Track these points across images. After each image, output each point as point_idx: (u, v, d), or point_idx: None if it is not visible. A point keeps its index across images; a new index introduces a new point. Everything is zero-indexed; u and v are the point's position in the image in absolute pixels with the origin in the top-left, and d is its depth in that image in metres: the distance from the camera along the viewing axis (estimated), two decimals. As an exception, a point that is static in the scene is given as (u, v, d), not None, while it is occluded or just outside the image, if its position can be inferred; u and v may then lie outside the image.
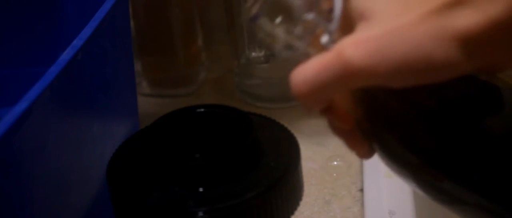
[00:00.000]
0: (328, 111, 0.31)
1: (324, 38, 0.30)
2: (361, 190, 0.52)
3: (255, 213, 0.32)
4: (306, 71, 0.28)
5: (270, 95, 0.66)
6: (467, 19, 0.25)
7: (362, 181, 0.53)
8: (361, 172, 0.55)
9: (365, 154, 0.33)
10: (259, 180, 0.33)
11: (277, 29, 0.30)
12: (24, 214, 0.32)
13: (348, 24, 0.29)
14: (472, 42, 0.25)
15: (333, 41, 0.30)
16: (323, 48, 0.30)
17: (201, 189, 0.33)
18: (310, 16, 0.30)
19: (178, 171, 0.34)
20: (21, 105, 0.31)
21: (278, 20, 0.30)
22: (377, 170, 0.52)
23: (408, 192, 0.49)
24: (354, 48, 0.27)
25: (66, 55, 0.36)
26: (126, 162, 0.36)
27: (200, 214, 0.32)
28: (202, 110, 0.37)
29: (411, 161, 0.28)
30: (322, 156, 0.57)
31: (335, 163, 0.57)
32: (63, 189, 0.38)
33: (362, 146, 0.32)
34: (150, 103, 0.70)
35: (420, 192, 0.29)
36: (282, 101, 0.66)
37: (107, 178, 0.35)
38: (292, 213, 0.35)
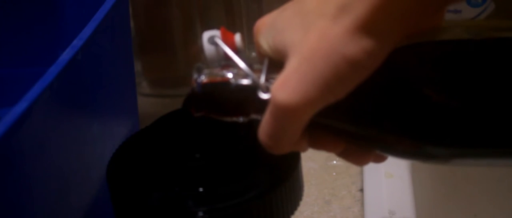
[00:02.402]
0: (315, 145, 0.32)
1: (260, 94, 0.31)
2: (361, 190, 0.52)
3: (255, 213, 0.32)
4: (264, 128, 0.30)
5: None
6: (361, 5, 0.25)
7: (362, 181, 0.53)
8: (361, 172, 0.55)
9: (377, 159, 0.33)
10: (259, 180, 0.33)
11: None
12: (24, 214, 0.32)
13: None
14: (374, 24, 0.25)
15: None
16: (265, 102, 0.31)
17: (201, 189, 0.33)
18: (245, 81, 0.32)
19: (178, 171, 0.34)
20: (21, 105, 0.31)
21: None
22: (377, 170, 0.52)
23: (408, 192, 0.49)
24: (281, 90, 0.27)
25: (66, 55, 0.36)
26: (126, 162, 0.36)
27: (200, 214, 0.31)
28: (202, 110, 0.37)
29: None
30: (322, 156, 0.57)
31: (334, 162, 0.57)
32: (63, 189, 0.38)
33: (368, 155, 0.32)
34: (150, 103, 0.70)
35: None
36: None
37: (107, 178, 0.35)
38: (292, 213, 0.35)
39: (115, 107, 0.49)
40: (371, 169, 0.53)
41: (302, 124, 0.29)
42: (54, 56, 0.38)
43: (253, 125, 0.35)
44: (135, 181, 0.34)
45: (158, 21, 0.69)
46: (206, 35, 0.33)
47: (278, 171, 0.34)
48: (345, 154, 0.32)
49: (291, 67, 0.27)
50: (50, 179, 0.35)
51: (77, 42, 0.38)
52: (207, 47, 0.33)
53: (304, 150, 0.32)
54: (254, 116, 0.32)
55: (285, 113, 0.28)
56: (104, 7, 0.43)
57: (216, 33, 0.33)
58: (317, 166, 0.56)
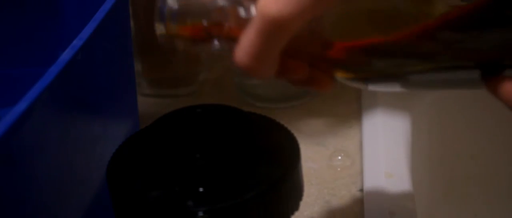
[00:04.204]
0: (282, 73, 0.32)
1: (241, 11, 0.30)
2: (361, 190, 0.52)
3: (255, 213, 0.32)
4: (244, 44, 0.29)
5: (270, 95, 0.66)
6: None
7: (362, 181, 0.53)
8: (361, 172, 0.55)
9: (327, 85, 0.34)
10: (259, 180, 0.33)
11: None
12: (24, 214, 0.32)
13: None
14: None
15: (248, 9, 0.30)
16: (245, 21, 0.30)
17: (201, 189, 0.33)
18: (221, 2, 0.30)
19: (178, 171, 0.34)
20: (21, 105, 0.31)
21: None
22: (377, 170, 0.52)
23: (408, 192, 0.49)
24: (273, 2, 0.27)
25: (66, 55, 0.36)
26: (126, 162, 0.36)
27: (200, 214, 0.31)
28: (202, 110, 0.37)
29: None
30: (322, 156, 0.57)
31: (335, 162, 0.57)
32: (63, 189, 0.38)
33: (330, 80, 0.33)
34: (150, 104, 0.70)
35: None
36: (282, 101, 0.66)
37: (107, 178, 0.35)
38: (292, 213, 0.35)
39: (115, 107, 0.49)
40: (371, 169, 0.53)
41: (289, 37, 0.28)
42: (54, 56, 0.38)
43: (254, 126, 0.35)
44: (135, 181, 0.34)
45: (158, 21, 0.69)
46: None
47: (278, 171, 0.34)
48: (307, 81, 0.33)
49: None
50: (50, 179, 0.35)
51: (77, 42, 0.38)
52: None
53: (272, 73, 0.32)
54: (226, 41, 0.31)
55: (277, 26, 0.27)
56: (104, 7, 0.43)
57: None
58: (317, 166, 0.56)
